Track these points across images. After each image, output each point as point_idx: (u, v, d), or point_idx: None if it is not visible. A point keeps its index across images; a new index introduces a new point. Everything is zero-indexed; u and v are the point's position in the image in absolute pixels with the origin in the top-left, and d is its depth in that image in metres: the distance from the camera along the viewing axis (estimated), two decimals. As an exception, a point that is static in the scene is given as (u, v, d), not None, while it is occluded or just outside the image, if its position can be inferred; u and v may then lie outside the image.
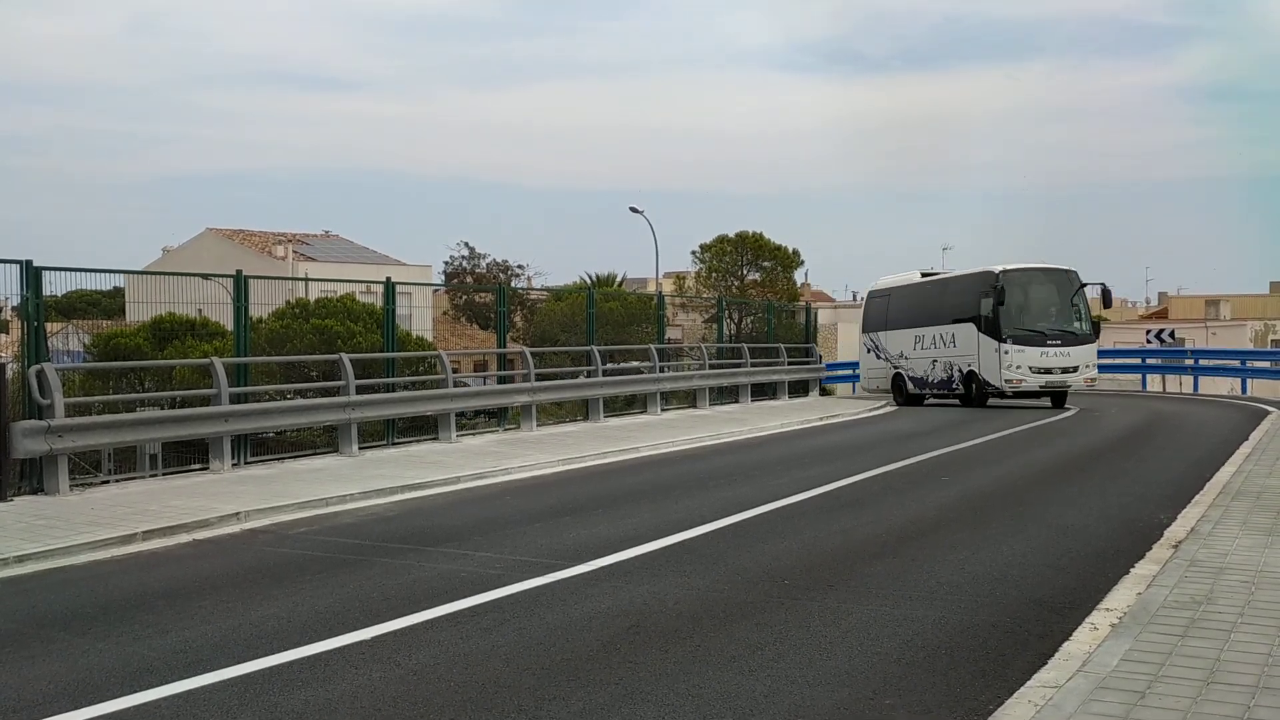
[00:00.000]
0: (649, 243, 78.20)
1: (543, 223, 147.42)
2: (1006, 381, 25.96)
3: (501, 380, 21.68)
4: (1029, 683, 5.58)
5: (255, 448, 15.58)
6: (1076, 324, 26.76)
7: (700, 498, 12.19)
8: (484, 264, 60.95)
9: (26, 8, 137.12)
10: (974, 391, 27.00)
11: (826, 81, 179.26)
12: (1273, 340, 57.60)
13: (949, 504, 11.74)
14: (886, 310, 31.36)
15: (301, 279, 29.02)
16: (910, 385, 29.59)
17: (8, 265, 12.61)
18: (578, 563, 8.73)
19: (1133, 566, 8.17)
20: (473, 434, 19.10)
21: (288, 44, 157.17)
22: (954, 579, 8.13)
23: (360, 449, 16.27)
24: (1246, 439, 17.41)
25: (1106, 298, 27.98)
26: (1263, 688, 5.36)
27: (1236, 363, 36.98)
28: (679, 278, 54.38)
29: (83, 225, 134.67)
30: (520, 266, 61.44)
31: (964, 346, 27.37)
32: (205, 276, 16.71)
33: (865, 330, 32.59)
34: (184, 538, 10.27)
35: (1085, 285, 26.87)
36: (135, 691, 5.78)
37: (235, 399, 14.67)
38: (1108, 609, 6.94)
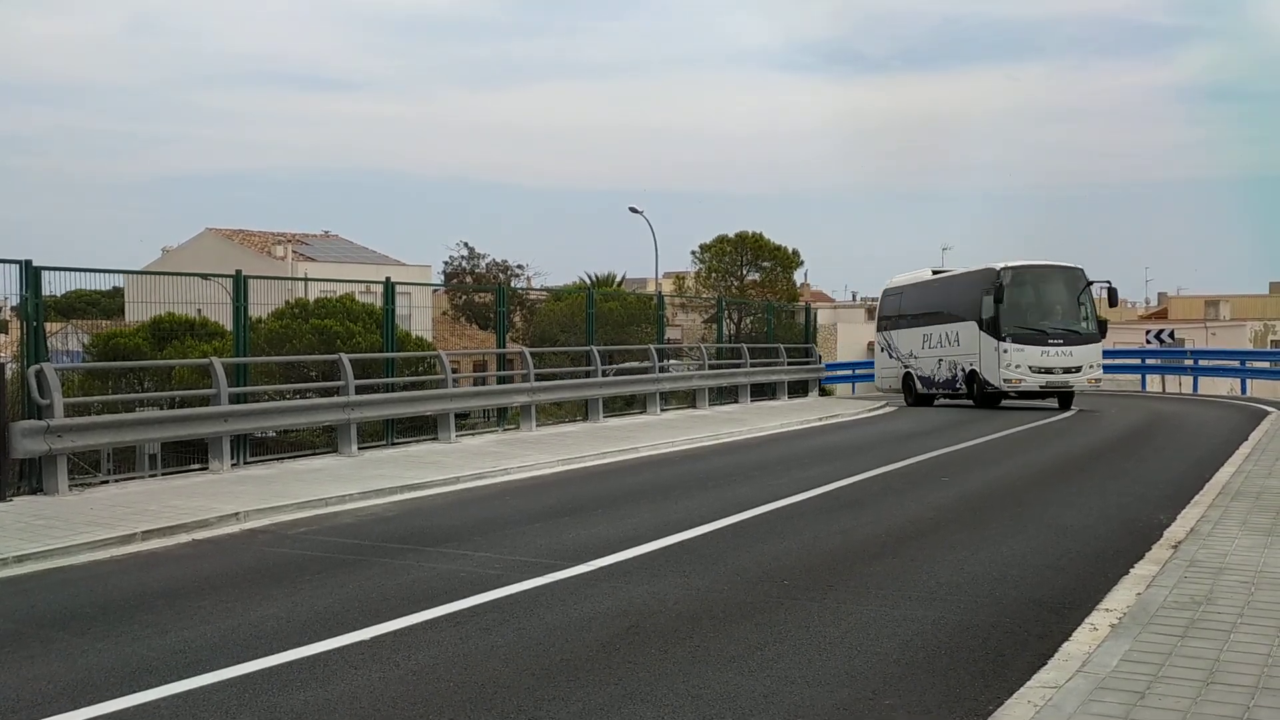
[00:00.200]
0: (649, 243, 78.27)
1: (542, 223, 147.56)
2: (1005, 381, 25.33)
3: (501, 380, 21.68)
4: (1028, 683, 5.58)
5: (255, 448, 15.59)
6: (1081, 323, 25.92)
7: (700, 498, 12.19)
8: (483, 264, 60.98)
9: (26, 8, 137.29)
10: (975, 391, 26.51)
11: (826, 82, 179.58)
12: (1272, 340, 57.57)
13: (948, 504, 11.74)
14: (899, 309, 31.12)
15: (301, 279, 28.99)
16: (919, 385, 29.17)
17: (7, 265, 12.60)
18: (577, 563, 8.73)
19: (1132, 567, 8.18)
20: (472, 434, 19.10)
21: (287, 44, 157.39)
22: (953, 579, 8.13)
23: (360, 449, 16.26)
24: (1246, 439, 17.42)
25: (1113, 297, 26.83)
26: (1262, 688, 5.35)
27: (1236, 363, 37.00)
28: (679, 278, 54.42)
29: (82, 225, 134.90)
30: (520, 266, 61.56)
31: (967, 345, 26.91)
32: (205, 276, 16.70)
33: (879, 329, 32.46)
34: (183, 538, 10.26)
35: (1092, 284, 26.01)
36: (134, 691, 5.78)
37: (235, 399, 14.67)
38: (1107, 609, 6.94)
